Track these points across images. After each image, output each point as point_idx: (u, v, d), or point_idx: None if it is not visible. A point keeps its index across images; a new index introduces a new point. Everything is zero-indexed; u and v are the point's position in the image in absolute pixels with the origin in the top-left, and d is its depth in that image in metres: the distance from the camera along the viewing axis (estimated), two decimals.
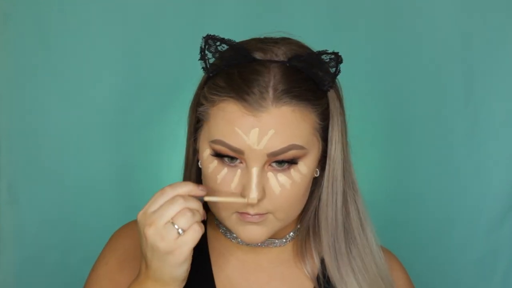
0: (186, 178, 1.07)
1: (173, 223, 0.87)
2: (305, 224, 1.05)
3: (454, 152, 1.65)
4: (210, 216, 1.06)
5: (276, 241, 1.03)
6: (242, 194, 0.93)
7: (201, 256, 1.03)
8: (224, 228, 1.04)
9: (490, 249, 1.67)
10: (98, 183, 1.56)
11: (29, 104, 1.53)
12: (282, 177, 0.94)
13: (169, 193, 0.89)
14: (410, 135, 1.65)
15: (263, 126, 0.91)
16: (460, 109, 1.64)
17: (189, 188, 0.90)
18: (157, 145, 1.59)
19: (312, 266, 1.05)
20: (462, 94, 1.64)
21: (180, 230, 0.87)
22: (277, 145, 0.91)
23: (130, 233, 1.06)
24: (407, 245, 1.59)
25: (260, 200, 0.92)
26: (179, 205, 0.88)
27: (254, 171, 0.92)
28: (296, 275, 1.04)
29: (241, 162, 0.93)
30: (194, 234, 0.88)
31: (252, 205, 0.93)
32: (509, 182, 1.65)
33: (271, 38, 0.99)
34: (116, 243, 1.07)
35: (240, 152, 0.91)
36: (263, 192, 0.93)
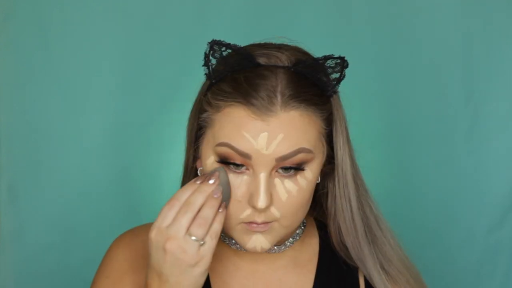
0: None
1: (190, 235, 0.88)
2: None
3: (454, 152, 1.65)
4: None
5: (275, 247, 1.03)
6: (249, 202, 0.92)
7: None
8: (222, 234, 1.03)
9: (490, 249, 1.67)
10: (98, 183, 1.56)
11: (29, 104, 1.53)
12: (289, 184, 0.93)
13: (177, 204, 0.90)
14: (410, 135, 1.65)
15: (272, 131, 0.90)
16: (460, 109, 1.64)
17: (191, 190, 0.91)
18: (157, 145, 1.59)
19: None
20: (462, 94, 1.64)
21: (201, 241, 0.88)
22: (286, 149, 0.91)
23: (128, 244, 1.06)
24: (407, 245, 1.59)
25: (267, 207, 0.92)
26: (191, 213, 0.89)
27: (262, 177, 0.91)
28: (293, 281, 1.04)
29: (247, 169, 0.92)
30: (212, 242, 0.89)
31: (259, 212, 0.92)
32: (509, 182, 1.65)
33: (272, 44, 0.98)
34: (115, 254, 1.06)
35: (247, 156, 0.91)
36: (271, 198, 0.92)
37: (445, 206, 1.66)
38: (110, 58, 1.55)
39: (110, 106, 1.56)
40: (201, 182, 0.92)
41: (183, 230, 0.88)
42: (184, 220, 0.88)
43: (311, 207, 1.03)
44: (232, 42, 0.95)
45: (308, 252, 1.06)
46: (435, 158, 1.65)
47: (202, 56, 1.55)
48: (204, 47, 1.50)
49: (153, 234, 0.89)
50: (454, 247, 1.67)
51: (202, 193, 0.90)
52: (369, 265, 1.02)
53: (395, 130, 1.64)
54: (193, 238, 0.88)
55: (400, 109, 1.64)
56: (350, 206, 1.01)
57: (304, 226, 1.06)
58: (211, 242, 0.89)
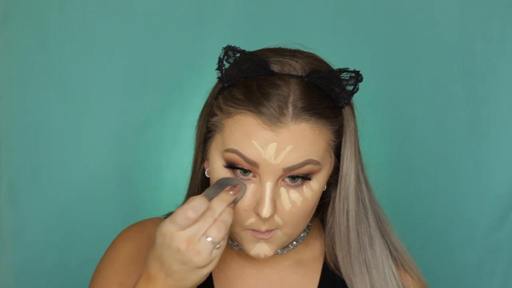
0: (192, 186, 1.07)
1: (206, 236, 0.87)
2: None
3: (454, 152, 1.65)
4: None
5: (279, 250, 1.03)
6: (255, 209, 0.92)
7: None
8: None
9: (490, 249, 1.67)
10: (98, 183, 1.56)
11: (29, 104, 1.53)
12: (294, 194, 0.93)
13: (199, 209, 0.88)
14: (410, 135, 1.65)
15: (281, 142, 0.90)
16: (460, 109, 1.64)
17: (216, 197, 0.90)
18: (157, 145, 1.59)
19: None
20: (462, 94, 1.64)
21: (217, 245, 0.87)
22: (294, 160, 0.91)
23: (134, 236, 1.06)
24: (407, 245, 1.59)
25: (271, 216, 0.92)
26: (211, 219, 0.87)
27: (268, 186, 0.91)
28: (296, 282, 1.04)
29: (254, 176, 0.92)
30: (223, 245, 0.89)
31: (263, 221, 0.93)
32: (509, 182, 1.65)
33: (287, 50, 0.97)
34: (120, 246, 1.06)
35: (255, 165, 0.91)
36: (275, 208, 0.93)
37: (445, 206, 1.66)
38: (110, 58, 1.55)
39: (110, 106, 1.56)
40: (223, 191, 0.91)
41: (201, 233, 0.87)
42: (206, 225, 0.87)
43: (320, 210, 1.03)
44: (237, 45, 0.94)
45: (313, 253, 1.06)
46: (435, 158, 1.65)
47: (202, 57, 1.56)
48: (204, 48, 1.51)
49: (169, 232, 0.87)
50: (454, 247, 1.67)
51: (224, 202, 0.89)
52: (356, 284, 1.01)
53: (395, 130, 1.64)
54: (209, 239, 0.87)
55: (400, 109, 1.64)
56: (347, 220, 1.00)
57: (309, 229, 1.06)
58: (223, 245, 0.89)
